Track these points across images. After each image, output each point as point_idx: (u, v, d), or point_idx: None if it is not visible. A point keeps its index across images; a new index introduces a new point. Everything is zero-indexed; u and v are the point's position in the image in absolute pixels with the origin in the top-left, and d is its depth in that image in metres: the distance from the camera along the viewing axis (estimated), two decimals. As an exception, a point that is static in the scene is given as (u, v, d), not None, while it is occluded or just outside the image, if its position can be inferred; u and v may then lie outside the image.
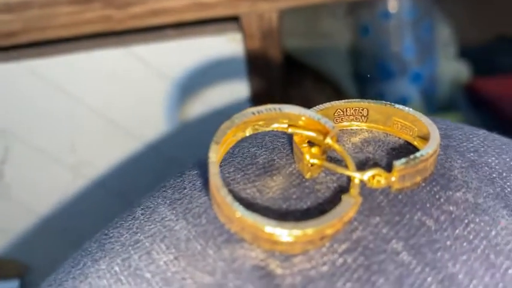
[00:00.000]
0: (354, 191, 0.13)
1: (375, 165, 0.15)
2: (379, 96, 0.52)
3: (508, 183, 0.15)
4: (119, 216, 0.17)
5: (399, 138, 0.16)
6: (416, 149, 0.15)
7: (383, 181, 0.13)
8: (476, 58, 0.55)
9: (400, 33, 0.51)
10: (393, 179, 0.13)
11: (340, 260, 0.12)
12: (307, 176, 0.14)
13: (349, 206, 0.13)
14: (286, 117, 0.14)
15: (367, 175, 0.13)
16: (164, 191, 0.16)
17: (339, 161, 0.15)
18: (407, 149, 0.15)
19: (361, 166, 0.14)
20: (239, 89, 0.32)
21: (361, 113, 0.16)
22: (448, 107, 0.52)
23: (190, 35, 0.31)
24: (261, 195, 0.14)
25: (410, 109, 0.15)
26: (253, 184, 0.14)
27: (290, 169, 0.15)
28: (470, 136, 0.16)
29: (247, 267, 0.12)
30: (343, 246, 0.13)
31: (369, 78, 0.52)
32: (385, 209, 0.13)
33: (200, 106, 0.31)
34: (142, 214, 0.16)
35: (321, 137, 0.14)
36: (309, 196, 0.14)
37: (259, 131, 0.15)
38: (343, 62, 0.53)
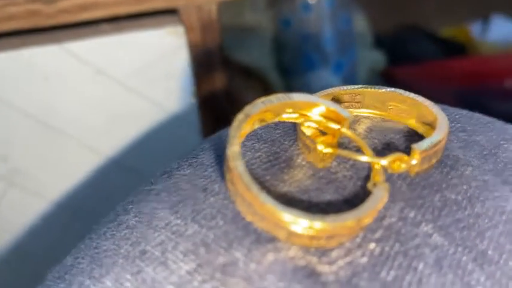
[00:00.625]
0: (379, 177, 0.13)
1: (390, 150, 0.14)
2: (304, 87, 0.53)
3: (498, 160, 0.15)
4: (104, 226, 0.15)
5: (397, 122, 0.16)
6: (416, 132, 0.15)
7: (404, 165, 0.13)
8: (389, 47, 0.58)
9: (320, 25, 0.52)
10: (414, 162, 0.13)
11: (378, 249, 0.12)
12: (320, 166, 0.14)
13: (382, 193, 0.12)
14: (297, 106, 0.14)
15: (387, 160, 0.13)
16: (155, 194, 0.15)
17: (349, 149, 0.14)
18: (409, 133, 0.15)
19: (376, 153, 0.14)
20: (183, 82, 0.30)
21: (356, 98, 0.16)
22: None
23: (127, 29, 0.29)
24: (277, 190, 0.13)
25: (410, 93, 0.15)
26: (265, 179, 0.14)
27: (299, 160, 0.14)
28: (457, 116, 0.17)
29: (289, 267, 0.11)
30: (377, 235, 0.12)
31: (293, 69, 0.53)
32: (406, 194, 0.13)
33: (145, 103, 0.29)
34: (138, 221, 0.14)
35: (334, 126, 0.14)
36: (328, 186, 0.13)
37: (267, 122, 0.14)
38: (267, 55, 0.53)
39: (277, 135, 0.15)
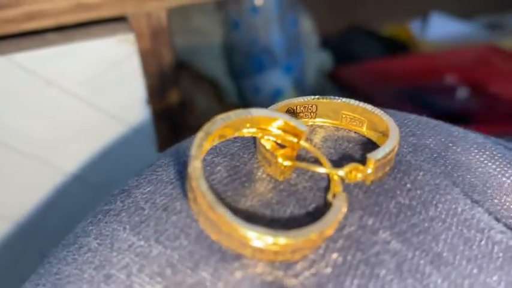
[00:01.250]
0: (338, 187, 0.13)
1: (345, 159, 0.15)
2: (254, 90, 0.54)
3: (448, 161, 0.16)
4: (64, 250, 0.15)
5: (350, 131, 0.16)
6: (369, 140, 0.16)
7: (360, 175, 0.14)
8: (335, 47, 0.59)
9: (268, 27, 0.52)
10: (369, 171, 0.14)
11: (340, 259, 0.12)
12: (281, 178, 0.14)
13: (342, 203, 0.13)
14: (256, 121, 0.14)
15: (344, 171, 0.13)
16: (115, 215, 0.15)
17: (307, 160, 0.15)
18: (362, 141, 0.16)
19: (332, 163, 0.15)
20: (135, 90, 0.30)
21: (310, 109, 0.16)
22: (317, 94, 0.55)
23: (76, 38, 0.28)
24: (239, 205, 0.13)
25: (360, 102, 0.16)
26: (226, 194, 0.14)
27: (259, 173, 0.14)
28: (405, 121, 0.17)
29: (258, 284, 0.12)
30: (339, 245, 0.13)
31: (243, 72, 0.53)
32: (363, 202, 0.14)
33: (97, 113, 0.29)
34: (100, 244, 0.14)
35: (292, 139, 0.14)
36: (289, 199, 0.14)
37: (226, 138, 0.14)
38: (217, 58, 0.53)
39: (236, 149, 0.15)
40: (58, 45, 0.28)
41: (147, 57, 0.30)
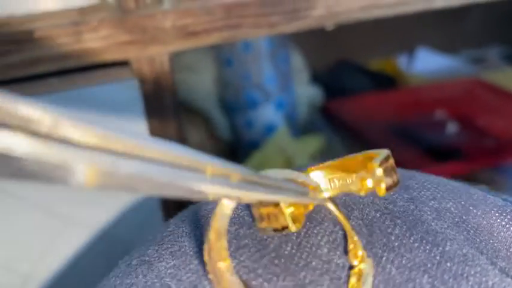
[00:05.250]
0: (370, 268, 0.13)
1: None
2: (247, 125, 0.54)
3: (470, 226, 0.16)
4: None
5: None
6: None
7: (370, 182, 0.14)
8: (325, 82, 0.60)
9: (260, 64, 0.53)
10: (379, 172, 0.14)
11: None
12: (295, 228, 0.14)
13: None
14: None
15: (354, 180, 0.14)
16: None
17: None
18: None
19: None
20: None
21: None
22: (309, 129, 0.56)
23: (80, 83, 0.28)
24: (271, 286, 0.13)
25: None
26: (257, 273, 0.14)
27: (288, 248, 0.14)
28: (425, 184, 0.17)
29: None
30: None
31: (236, 107, 0.53)
32: (396, 278, 0.14)
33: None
34: None
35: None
36: (322, 278, 0.13)
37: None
38: (210, 93, 0.53)
39: (242, 214, 0.15)
40: (60, 90, 0.27)
41: (149, 101, 0.30)
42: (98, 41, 0.28)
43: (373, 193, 0.15)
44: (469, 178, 0.49)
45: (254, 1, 0.30)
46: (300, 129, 0.56)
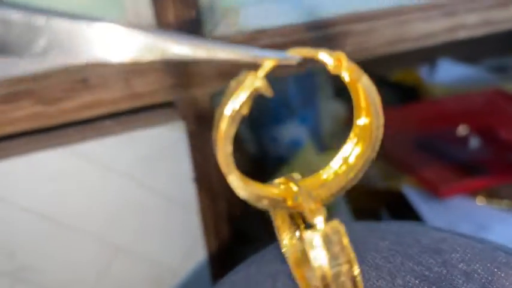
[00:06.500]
0: None
1: None
2: (272, 140, 0.55)
3: (495, 287, 0.18)
4: None
5: None
6: None
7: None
8: (347, 96, 0.61)
9: (285, 80, 0.54)
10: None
11: None
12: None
13: None
14: None
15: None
16: None
17: None
18: None
19: None
20: (183, 169, 0.31)
21: None
22: (333, 143, 0.57)
23: (130, 126, 0.30)
24: None
25: None
26: None
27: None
28: (454, 246, 0.19)
29: None
30: None
31: (261, 123, 0.55)
32: None
33: (148, 194, 0.30)
34: None
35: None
36: None
37: None
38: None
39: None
40: (114, 133, 0.29)
41: (193, 140, 0.32)
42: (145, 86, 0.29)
43: (413, 260, 0.17)
44: (492, 193, 0.50)
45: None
46: (325, 144, 0.57)
